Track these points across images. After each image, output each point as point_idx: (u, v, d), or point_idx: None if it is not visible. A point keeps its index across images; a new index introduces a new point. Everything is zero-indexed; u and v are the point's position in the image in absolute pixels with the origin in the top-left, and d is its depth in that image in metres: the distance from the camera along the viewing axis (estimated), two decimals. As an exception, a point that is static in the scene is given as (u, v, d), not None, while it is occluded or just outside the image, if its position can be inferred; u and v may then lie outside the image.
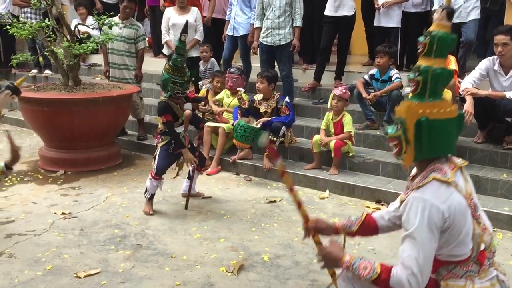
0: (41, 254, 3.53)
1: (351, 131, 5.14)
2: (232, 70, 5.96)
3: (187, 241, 3.79)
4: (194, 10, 6.28)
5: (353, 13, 6.45)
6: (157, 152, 4.34)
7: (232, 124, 5.42)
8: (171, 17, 6.28)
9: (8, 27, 5.55)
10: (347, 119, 5.16)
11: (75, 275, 3.25)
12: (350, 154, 5.24)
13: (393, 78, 5.49)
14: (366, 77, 5.72)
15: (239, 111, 5.53)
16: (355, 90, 5.63)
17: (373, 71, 5.73)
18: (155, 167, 4.31)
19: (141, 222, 4.15)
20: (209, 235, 3.92)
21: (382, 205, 4.58)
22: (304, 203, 4.48)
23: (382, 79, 5.60)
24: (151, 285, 3.15)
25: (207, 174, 5.45)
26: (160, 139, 4.33)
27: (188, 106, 5.43)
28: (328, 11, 6.50)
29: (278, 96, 5.47)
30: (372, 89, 5.73)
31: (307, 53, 7.49)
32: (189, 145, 4.48)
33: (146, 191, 4.37)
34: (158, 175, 4.31)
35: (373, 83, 5.71)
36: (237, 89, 5.84)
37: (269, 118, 5.38)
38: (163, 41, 6.66)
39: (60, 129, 5.41)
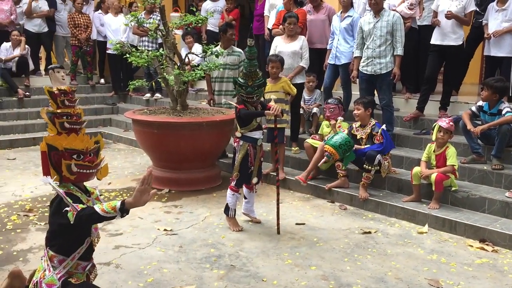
0: (144, 267, 3.79)
1: (455, 165, 4.91)
2: (329, 100, 6.01)
3: (278, 266, 3.85)
4: (301, 38, 6.42)
5: (461, 42, 6.23)
6: (236, 165, 4.52)
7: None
8: (278, 45, 6.47)
9: (127, 55, 6.13)
10: (451, 151, 4.94)
11: (172, 289, 3.45)
12: (453, 189, 4.99)
13: (503, 112, 5.15)
14: (473, 108, 5.45)
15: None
16: (461, 121, 5.39)
17: (482, 102, 5.44)
18: (235, 180, 4.53)
19: (235, 243, 4.29)
20: (301, 261, 3.94)
21: (487, 244, 4.31)
22: (401, 237, 4.39)
23: (490, 112, 5.30)
24: (241, 306, 3.24)
25: (295, 178, 5.61)
26: (240, 144, 4.51)
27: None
28: (434, 39, 6.35)
29: (374, 123, 5.41)
30: (479, 121, 5.44)
31: (410, 82, 7.32)
32: (261, 159, 4.67)
33: (228, 209, 4.60)
34: (239, 186, 4.56)
35: (481, 115, 5.42)
36: (336, 118, 5.87)
37: (362, 147, 5.34)
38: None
39: (167, 150, 5.79)
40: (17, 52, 9.15)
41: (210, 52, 6.05)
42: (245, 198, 4.78)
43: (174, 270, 3.75)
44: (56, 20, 10.33)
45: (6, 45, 9.13)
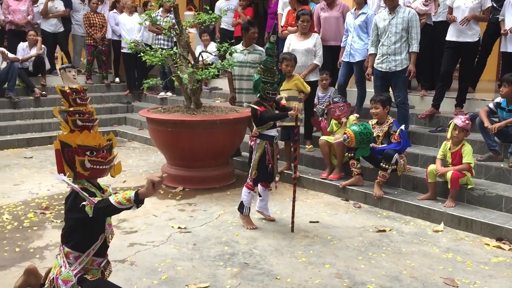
0: (158, 264, 3.81)
1: (471, 162, 4.85)
2: (335, 99, 5.97)
3: (292, 264, 3.84)
4: (315, 35, 6.38)
5: (477, 39, 6.15)
6: (254, 163, 4.51)
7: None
8: (292, 43, 6.44)
9: (141, 54, 6.16)
10: (467, 149, 4.88)
11: (186, 287, 3.46)
12: (469, 187, 4.93)
13: (522, 108, 5.09)
14: (491, 105, 5.37)
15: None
16: (478, 118, 5.32)
17: (500, 99, 5.35)
18: (253, 177, 4.52)
19: (249, 241, 4.29)
20: (315, 259, 3.93)
21: (504, 243, 4.24)
22: (416, 235, 4.35)
23: (508, 108, 5.22)
24: (255, 304, 3.24)
25: (322, 178, 5.76)
26: (257, 142, 4.51)
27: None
28: (450, 36, 6.28)
29: (392, 121, 5.37)
30: (496, 118, 5.36)
31: (426, 79, 7.24)
32: (278, 156, 4.66)
33: (242, 206, 4.58)
34: (255, 184, 4.55)
35: (498, 112, 5.34)
36: (348, 117, 5.84)
37: (378, 145, 5.30)
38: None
39: (181, 148, 5.82)
40: (34, 52, 9.27)
41: (223, 50, 6.05)
42: (260, 196, 4.77)
43: (188, 268, 3.76)
44: (75, 19, 10.43)
45: (23, 45, 9.26)
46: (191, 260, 3.90)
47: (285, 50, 6.52)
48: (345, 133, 5.22)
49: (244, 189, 4.60)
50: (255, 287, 3.47)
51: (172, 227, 4.60)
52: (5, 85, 8.82)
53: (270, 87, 4.40)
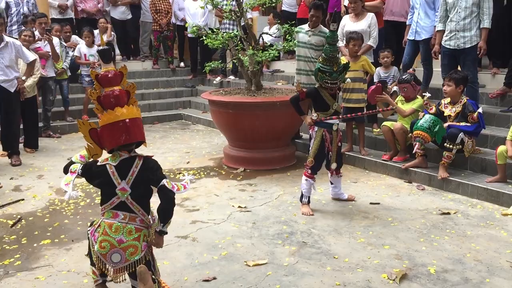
0: (218, 241, 3.92)
1: (545, 143, 4.57)
2: (401, 79, 5.74)
3: (350, 244, 3.83)
4: (369, 15, 6.20)
5: (554, 11, 5.73)
6: (313, 152, 4.49)
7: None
8: (346, 24, 6.32)
9: (203, 38, 6.28)
10: (541, 129, 4.60)
11: (245, 263, 3.53)
12: (543, 169, 4.66)
13: None
14: None
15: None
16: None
17: None
18: (310, 166, 4.48)
19: (308, 221, 4.31)
20: (374, 240, 3.89)
21: None
22: (483, 218, 4.20)
23: None
24: (312, 282, 3.26)
25: (384, 160, 5.66)
26: (314, 130, 4.48)
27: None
28: (525, 9, 5.89)
29: (467, 100, 5.12)
30: None
31: (497, 56, 6.85)
32: (339, 143, 4.59)
33: (302, 196, 4.55)
34: (313, 173, 4.50)
35: None
36: (417, 96, 5.65)
37: (456, 123, 5.06)
38: None
39: (242, 130, 5.90)
40: (104, 39, 9.67)
41: (283, 31, 6.03)
42: (331, 183, 4.78)
43: (247, 245, 3.85)
44: (144, 6, 10.76)
45: (94, 32, 9.67)
46: (250, 238, 3.98)
47: (339, 31, 6.37)
48: (417, 137, 5.08)
49: (303, 177, 4.56)
50: (313, 265, 3.50)
51: (233, 206, 4.71)
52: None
53: (328, 77, 4.27)
